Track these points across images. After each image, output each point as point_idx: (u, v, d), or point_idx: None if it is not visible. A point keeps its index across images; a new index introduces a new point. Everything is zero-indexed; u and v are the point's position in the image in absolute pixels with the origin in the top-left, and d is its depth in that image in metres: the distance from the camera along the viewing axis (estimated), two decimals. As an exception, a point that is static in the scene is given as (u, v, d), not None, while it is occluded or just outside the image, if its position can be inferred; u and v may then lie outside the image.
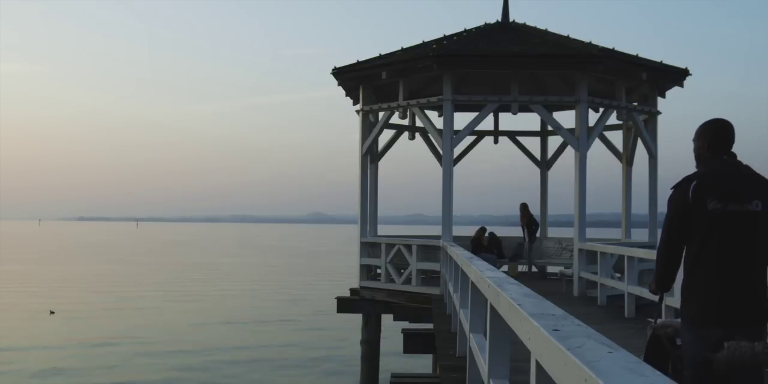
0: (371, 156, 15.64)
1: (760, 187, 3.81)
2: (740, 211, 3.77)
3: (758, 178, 3.86)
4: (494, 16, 17.50)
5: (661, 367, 4.02)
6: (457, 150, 15.01)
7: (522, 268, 18.08)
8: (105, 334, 23.35)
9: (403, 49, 14.57)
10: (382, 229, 17.19)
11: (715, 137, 3.93)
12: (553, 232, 18.89)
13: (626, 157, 15.75)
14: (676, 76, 14.69)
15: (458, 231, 14.91)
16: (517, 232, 17.80)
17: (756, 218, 3.77)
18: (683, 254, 3.97)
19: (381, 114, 15.02)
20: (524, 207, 17.26)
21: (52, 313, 27.73)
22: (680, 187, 3.85)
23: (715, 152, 3.91)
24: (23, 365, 18.42)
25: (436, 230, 14.13)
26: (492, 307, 4.03)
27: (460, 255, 7.67)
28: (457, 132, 13.89)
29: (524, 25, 15.75)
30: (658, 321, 4.30)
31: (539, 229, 17.41)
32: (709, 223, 3.76)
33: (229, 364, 19.19)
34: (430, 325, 11.34)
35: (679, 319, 4.05)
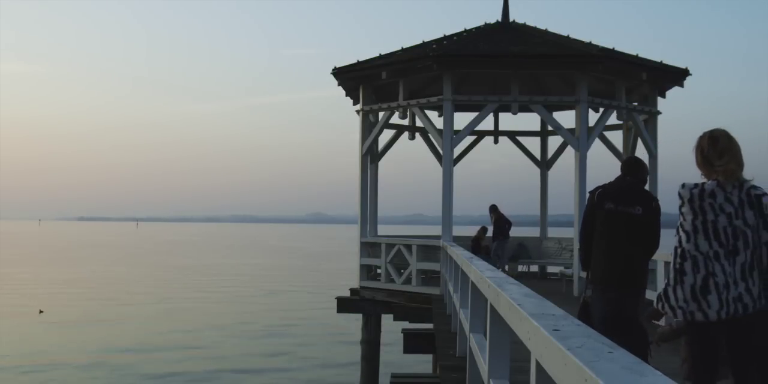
0: (371, 156, 15.63)
1: (642, 197, 5.65)
2: (626, 212, 5.58)
3: (643, 191, 5.77)
4: (494, 16, 17.52)
5: (588, 324, 4.97)
6: (457, 150, 15.01)
7: (522, 268, 18.08)
8: (98, 336, 23.35)
9: (403, 49, 14.56)
10: (382, 229, 17.18)
11: (624, 168, 5.88)
12: (553, 232, 18.88)
13: (626, 157, 15.75)
14: (676, 76, 14.69)
15: (458, 231, 14.90)
16: (519, 232, 17.78)
17: (638, 218, 5.57)
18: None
19: (381, 114, 15.01)
20: (493, 208, 17.04)
21: (41, 312, 27.58)
22: (591, 194, 5.80)
23: (623, 174, 5.82)
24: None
25: (436, 230, 14.13)
26: (492, 307, 4.02)
27: (460, 255, 7.67)
28: (457, 132, 13.88)
29: (524, 25, 15.74)
30: (587, 292, 5.88)
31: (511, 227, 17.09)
32: (606, 218, 5.63)
33: (228, 364, 19.18)
34: (430, 325, 11.34)
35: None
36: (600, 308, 5.63)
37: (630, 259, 5.60)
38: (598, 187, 5.80)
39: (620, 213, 5.58)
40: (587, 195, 6.09)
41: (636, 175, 5.81)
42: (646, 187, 6.08)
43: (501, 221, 16.66)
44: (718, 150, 3.87)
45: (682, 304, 3.84)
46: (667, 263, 7.45)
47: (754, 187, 3.85)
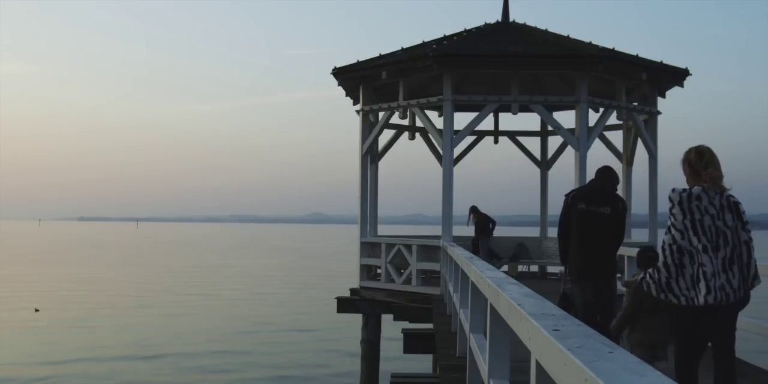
0: (371, 156, 15.63)
1: (611, 199, 6.59)
2: (597, 211, 6.50)
3: (612, 194, 6.66)
4: (494, 16, 17.48)
5: (568, 312, 5.75)
6: (457, 150, 14.99)
7: (522, 268, 18.07)
8: (93, 337, 23.34)
9: (403, 49, 14.55)
10: (382, 229, 17.16)
11: (596, 175, 6.76)
12: (553, 232, 18.85)
13: (626, 157, 15.74)
14: (676, 76, 14.68)
15: (458, 231, 14.90)
16: (519, 232, 17.75)
17: (607, 216, 6.51)
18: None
19: (381, 114, 15.00)
20: (473, 209, 16.85)
21: (36, 311, 27.53)
22: (567, 196, 6.70)
23: (595, 180, 6.71)
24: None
25: (436, 230, 14.13)
26: (492, 307, 4.02)
27: (460, 255, 7.67)
28: (457, 132, 13.88)
29: (524, 25, 15.73)
30: (566, 283, 6.84)
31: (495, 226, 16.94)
32: (580, 217, 6.54)
33: (228, 364, 19.19)
34: (430, 325, 11.33)
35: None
36: (579, 296, 6.52)
37: (602, 252, 6.53)
38: (572, 191, 6.80)
39: (591, 212, 6.50)
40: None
41: (605, 181, 6.65)
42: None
43: (485, 221, 16.52)
44: (704, 162, 4.62)
45: (685, 293, 4.52)
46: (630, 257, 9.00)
47: (731, 196, 4.61)
